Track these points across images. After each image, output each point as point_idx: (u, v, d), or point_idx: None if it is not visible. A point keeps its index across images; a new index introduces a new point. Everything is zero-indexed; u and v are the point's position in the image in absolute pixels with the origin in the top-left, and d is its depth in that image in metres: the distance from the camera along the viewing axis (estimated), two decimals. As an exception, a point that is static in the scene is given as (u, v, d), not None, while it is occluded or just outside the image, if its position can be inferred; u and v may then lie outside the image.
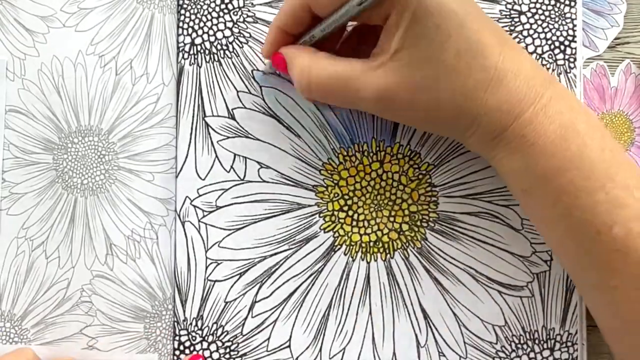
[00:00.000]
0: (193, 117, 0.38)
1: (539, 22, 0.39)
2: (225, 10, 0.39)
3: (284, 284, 0.38)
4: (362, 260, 0.38)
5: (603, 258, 0.31)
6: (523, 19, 0.39)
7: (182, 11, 0.39)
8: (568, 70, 0.39)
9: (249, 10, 0.39)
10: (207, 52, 0.38)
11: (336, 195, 0.38)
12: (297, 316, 0.38)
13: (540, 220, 0.34)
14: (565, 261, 0.34)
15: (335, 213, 0.38)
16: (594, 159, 0.31)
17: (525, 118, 0.31)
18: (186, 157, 0.38)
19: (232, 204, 0.38)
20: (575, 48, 0.39)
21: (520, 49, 0.33)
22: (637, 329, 0.31)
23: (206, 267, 0.38)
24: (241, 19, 0.39)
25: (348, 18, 0.33)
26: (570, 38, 0.39)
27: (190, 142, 0.38)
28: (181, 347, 0.38)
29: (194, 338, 0.38)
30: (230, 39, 0.39)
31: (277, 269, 0.38)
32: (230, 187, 0.38)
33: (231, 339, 0.38)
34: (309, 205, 0.38)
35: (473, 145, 0.34)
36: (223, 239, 0.38)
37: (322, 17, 0.34)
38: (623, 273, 0.30)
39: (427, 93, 0.31)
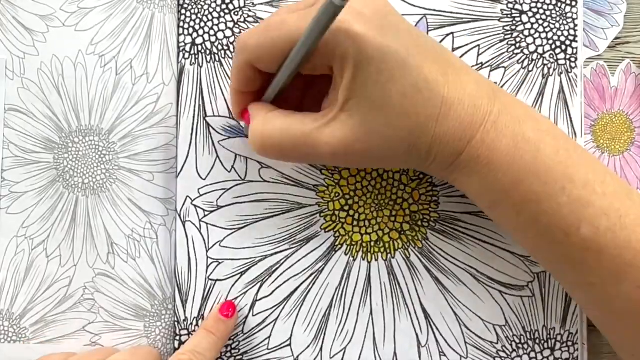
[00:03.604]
0: (194, 117, 0.38)
1: (540, 22, 0.39)
2: (226, 11, 0.39)
3: (284, 283, 0.38)
4: (363, 260, 0.38)
5: (576, 258, 0.31)
6: (524, 18, 0.39)
7: (183, 11, 0.39)
8: (569, 70, 0.39)
9: (249, 10, 0.39)
10: (208, 52, 0.38)
11: (337, 194, 0.38)
12: (297, 315, 0.38)
13: (510, 231, 0.34)
14: (543, 264, 0.35)
15: (336, 213, 0.38)
16: (548, 163, 0.31)
17: (477, 139, 0.31)
18: (187, 157, 0.38)
19: (233, 204, 0.38)
20: (577, 48, 0.39)
21: (462, 70, 0.32)
22: (621, 321, 0.32)
23: (207, 267, 0.38)
24: (242, 19, 0.39)
25: (292, 72, 0.31)
26: (571, 38, 0.39)
27: (190, 142, 0.38)
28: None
29: (195, 337, 0.38)
30: (231, 39, 0.38)
31: (277, 268, 0.38)
32: (232, 187, 0.38)
33: (232, 338, 0.38)
34: (310, 205, 0.38)
35: (433, 173, 0.34)
36: (224, 238, 0.38)
37: (273, 73, 0.33)
38: (598, 270, 0.31)
39: (381, 138, 0.31)
